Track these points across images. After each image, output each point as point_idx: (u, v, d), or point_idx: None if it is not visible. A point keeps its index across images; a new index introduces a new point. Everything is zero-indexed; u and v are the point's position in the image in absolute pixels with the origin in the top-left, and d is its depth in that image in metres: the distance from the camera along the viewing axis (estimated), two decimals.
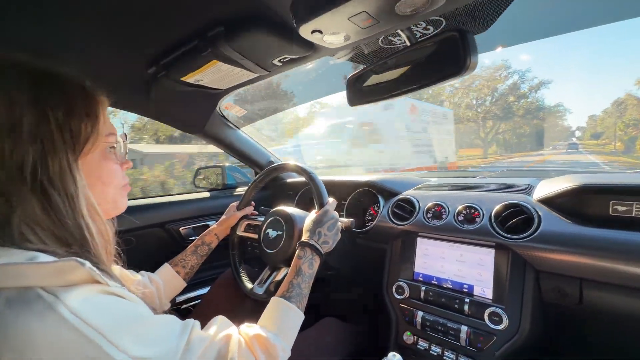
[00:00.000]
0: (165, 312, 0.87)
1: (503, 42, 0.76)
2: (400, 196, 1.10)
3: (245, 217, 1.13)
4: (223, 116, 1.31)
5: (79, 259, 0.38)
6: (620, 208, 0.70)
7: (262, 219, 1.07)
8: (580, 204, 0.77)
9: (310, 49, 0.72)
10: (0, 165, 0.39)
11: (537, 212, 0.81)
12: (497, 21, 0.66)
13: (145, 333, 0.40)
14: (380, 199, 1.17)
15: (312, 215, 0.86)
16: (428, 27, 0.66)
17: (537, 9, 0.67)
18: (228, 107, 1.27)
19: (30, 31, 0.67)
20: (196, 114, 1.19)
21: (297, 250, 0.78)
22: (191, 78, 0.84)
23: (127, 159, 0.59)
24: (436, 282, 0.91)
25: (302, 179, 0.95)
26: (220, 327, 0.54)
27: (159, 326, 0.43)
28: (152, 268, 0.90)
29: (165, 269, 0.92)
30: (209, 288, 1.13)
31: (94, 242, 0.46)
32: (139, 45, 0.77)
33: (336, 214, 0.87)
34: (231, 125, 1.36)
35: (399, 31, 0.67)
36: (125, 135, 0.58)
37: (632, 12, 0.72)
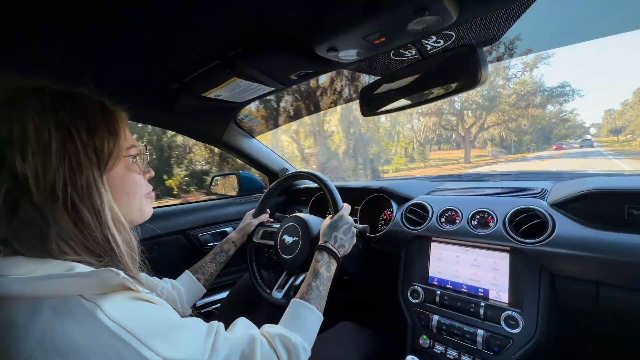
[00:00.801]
0: (189, 316, 0.91)
1: (513, 53, 0.77)
2: (413, 201, 1.12)
3: (261, 224, 1.17)
4: (239, 126, 1.36)
5: (113, 269, 0.41)
6: (635, 212, 0.71)
7: (277, 225, 1.10)
8: (595, 207, 0.77)
9: (325, 64, 0.76)
10: (36, 186, 0.42)
11: (551, 216, 0.81)
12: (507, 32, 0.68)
13: (175, 336, 0.43)
14: (393, 204, 1.18)
15: (328, 220, 0.89)
16: (439, 40, 0.69)
17: (544, 21, 0.69)
18: (243, 118, 1.33)
19: (60, 52, 0.72)
20: (215, 126, 1.24)
21: (315, 254, 0.81)
22: (211, 94, 0.89)
23: (148, 168, 0.62)
24: (451, 286, 0.92)
25: (314, 185, 0.98)
26: (243, 327, 0.57)
27: (187, 329, 0.46)
28: (174, 273, 0.94)
29: (186, 275, 0.95)
30: (227, 292, 1.17)
31: (121, 252, 0.49)
32: (164, 63, 0.82)
33: (351, 219, 0.89)
34: (247, 134, 1.41)
35: (410, 45, 0.70)
36: (146, 146, 0.61)
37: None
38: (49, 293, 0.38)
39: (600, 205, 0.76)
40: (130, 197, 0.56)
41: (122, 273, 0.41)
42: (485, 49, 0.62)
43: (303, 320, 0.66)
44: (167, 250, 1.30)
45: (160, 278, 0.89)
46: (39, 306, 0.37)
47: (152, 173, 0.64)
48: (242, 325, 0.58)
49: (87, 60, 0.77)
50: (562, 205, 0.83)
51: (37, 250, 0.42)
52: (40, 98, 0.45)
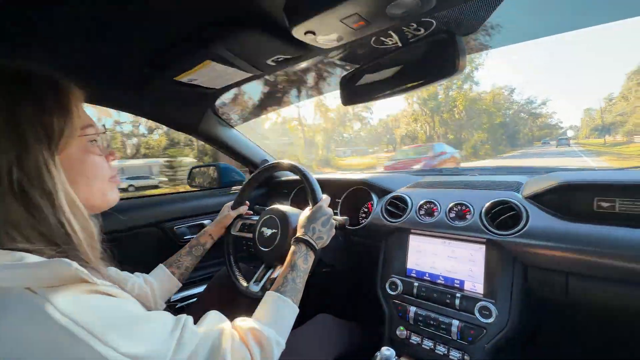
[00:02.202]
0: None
1: (492, 44, 0.78)
2: (393, 194, 1.12)
3: (239, 216, 1.14)
4: (217, 115, 1.31)
5: (66, 259, 0.38)
6: (604, 204, 0.73)
7: (256, 217, 1.07)
8: (567, 200, 0.79)
9: (304, 49, 0.73)
10: None
11: (525, 208, 0.83)
12: (486, 23, 0.67)
13: (136, 330, 0.41)
14: (373, 196, 1.18)
15: (306, 211, 0.87)
16: (419, 28, 0.67)
17: (525, 11, 0.69)
18: (222, 106, 1.28)
19: (22, 29, 0.66)
20: (190, 114, 1.19)
21: (292, 246, 0.79)
22: (185, 77, 0.84)
23: (111, 150, 0.58)
24: (428, 278, 0.93)
25: (296, 177, 0.96)
26: (213, 321, 0.54)
27: (151, 323, 0.43)
28: (147, 267, 0.90)
29: (160, 270, 0.91)
30: (203, 287, 1.13)
31: (78, 239, 0.45)
32: (133, 45, 0.76)
33: (330, 210, 0.88)
34: (226, 124, 1.36)
35: (390, 32, 0.69)
36: (104, 126, 0.57)
37: (617, 15, 0.73)
38: None
39: (571, 198, 0.79)
40: (90, 180, 0.52)
41: (75, 264, 0.38)
42: (464, 39, 0.61)
43: (277, 314, 0.64)
44: (140, 243, 1.24)
45: (132, 272, 0.85)
46: None
47: (117, 156, 0.60)
48: (213, 318, 0.55)
49: (51, 40, 0.71)
50: (536, 198, 0.85)
51: None
52: None
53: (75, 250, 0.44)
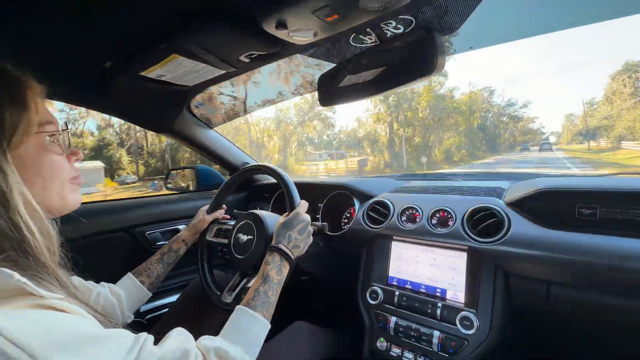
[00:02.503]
0: (128, 324, 0.81)
1: (473, 44, 0.76)
2: (375, 199, 1.09)
3: (215, 221, 1.08)
4: (194, 115, 1.25)
5: (6, 270, 0.34)
6: (585, 211, 0.71)
7: (233, 222, 1.02)
8: (548, 207, 0.78)
9: (278, 45, 0.69)
10: None
11: (507, 215, 0.81)
12: (467, 23, 0.65)
13: (85, 351, 0.36)
14: (355, 201, 1.15)
15: (283, 218, 0.83)
16: (398, 26, 0.64)
17: (506, 11, 0.67)
18: (198, 105, 1.22)
19: None
20: (163, 112, 1.12)
21: (266, 256, 0.74)
22: (152, 73, 0.78)
23: (73, 149, 0.54)
24: (410, 287, 0.90)
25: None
26: (176, 340, 0.49)
27: (104, 343, 0.39)
28: (115, 276, 0.84)
29: (128, 279, 0.86)
30: (176, 296, 1.07)
31: (35, 241, 0.42)
32: (93, 36, 0.71)
33: (308, 216, 0.84)
34: (203, 124, 1.30)
35: (369, 30, 0.66)
36: (66, 123, 0.53)
37: (598, 16, 0.73)
38: None
39: (552, 204, 0.77)
40: (47, 181, 0.48)
41: (16, 275, 0.34)
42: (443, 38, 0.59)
43: (246, 331, 0.60)
44: (107, 250, 1.16)
45: (98, 282, 0.79)
46: None
47: (80, 155, 0.55)
48: (176, 337, 0.50)
49: (4, 30, 0.65)
50: (518, 204, 0.83)
51: None
52: None
53: (28, 256, 0.40)
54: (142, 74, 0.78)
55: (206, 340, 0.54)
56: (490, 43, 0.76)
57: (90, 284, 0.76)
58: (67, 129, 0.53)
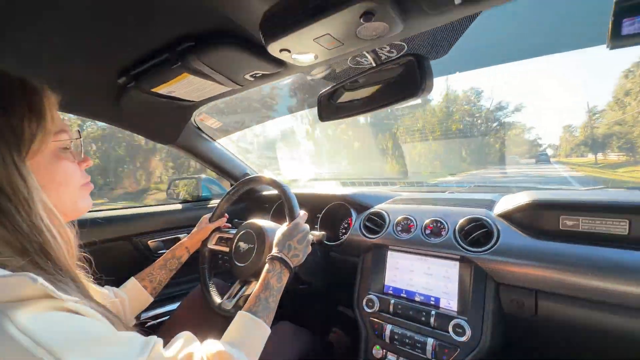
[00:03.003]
0: (133, 327, 0.83)
1: (461, 68, 0.82)
2: (371, 210, 1.12)
3: (217, 229, 1.11)
4: (198, 128, 1.30)
5: (30, 274, 0.36)
6: (568, 222, 0.76)
7: (234, 231, 1.05)
8: (535, 218, 0.82)
9: (282, 66, 0.74)
10: None
11: (496, 226, 0.85)
12: (455, 48, 0.71)
13: (99, 352, 0.38)
14: (352, 212, 1.18)
15: (283, 228, 0.86)
16: (392, 50, 0.70)
17: (494, 37, 0.73)
18: (203, 119, 1.27)
19: None
20: (169, 125, 1.18)
21: (267, 264, 0.77)
22: (162, 89, 0.84)
23: (85, 156, 0.57)
24: (405, 295, 0.93)
25: (277, 192, 0.96)
26: (183, 344, 0.51)
27: (118, 345, 0.41)
28: (117, 283, 0.86)
29: (131, 283, 0.88)
30: (176, 305, 1.09)
31: (57, 245, 0.44)
32: (109, 54, 0.76)
33: (307, 226, 0.87)
34: (206, 137, 1.35)
35: (365, 53, 0.71)
36: (79, 132, 0.55)
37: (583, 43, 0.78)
38: None
39: (539, 216, 0.81)
40: (62, 187, 0.50)
41: (40, 279, 0.36)
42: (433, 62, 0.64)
43: (248, 335, 0.62)
44: (112, 257, 1.19)
45: (102, 286, 0.81)
46: None
47: (90, 162, 0.58)
48: (184, 341, 0.53)
49: (24, 44, 0.69)
50: (507, 216, 0.87)
51: None
52: None
53: (50, 259, 0.43)
54: (153, 90, 0.83)
55: (211, 344, 0.56)
56: (476, 67, 0.82)
57: (96, 286, 0.77)
58: (80, 137, 0.56)
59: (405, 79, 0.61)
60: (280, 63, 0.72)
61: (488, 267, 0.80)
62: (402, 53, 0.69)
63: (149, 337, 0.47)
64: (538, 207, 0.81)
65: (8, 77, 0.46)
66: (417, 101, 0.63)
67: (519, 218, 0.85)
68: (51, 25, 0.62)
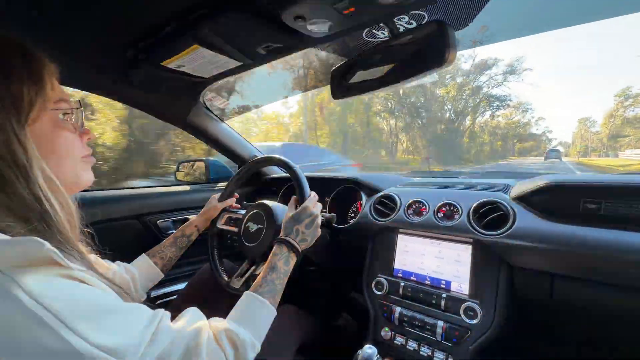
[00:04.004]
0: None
1: (481, 40, 0.78)
2: (382, 193, 1.11)
3: (226, 209, 1.11)
4: (207, 107, 1.29)
5: (38, 238, 0.35)
6: (589, 205, 0.73)
7: (243, 212, 1.05)
8: (554, 201, 0.79)
9: (295, 38, 0.71)
10: None
11: (512, 209, 0.83)
12: (477, 19, 0.67)
13: (108, 321, 0.38)
14: (363, 195, 1.17)
15: (292, 210, 0.85)
16: (411, 21, 0.67)
17: (517, 6, 0.69)
18: (211, 98, 1.25)
19: None
20: (179, 104, 1.16)
21: (274, 247, 0.77)
22: (172, 63, 0.82)
23: (85, 128, 0.55)
24: (415, 278, 0.92)
25: (287, 174, 0.94)
26: (191, 319, 0.51)
27: (125, 315, 0.41)
28: (127, 260, 0.87)
29: (142, 259, 0.89)
30: (184, 284, 1.10)
31: (57, 215, 0.43)
32: (117, 26, 0.74)
33: (316, 210, 0.85)
34: (215, 117, 1.34)
35: (382, 25, 0.68)
36: (80, 102, 0.53)
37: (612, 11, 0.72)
38: None
39: (558, 199, 0.78)
40: (61, 158, 0.49)
41: (47, 244, 0.35)
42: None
43: (254, 315, 0.62)
44: (121, 235, 1.20)
45: (113, 262, 0.82)
46: None
47: (92, 134, 0.56)
48: (191, 316, 0.53)
49: (28, 12, 0.68)
50: (523, 199, 0.85)
51: None
52: None
53: (51, 228, 0.42)
54: (163, 64, 0.81)
55: (217, 321, 0.56)
56: (502, 39, 0.77)
57: (107, 262, 0.78)
58: (80, 107, 0.54)
59: (426, 50, 0.58)
60: (294, 34, 0.69)
61: (503, 250, 0.78)
62: (422, 23, 0.65)
63: (157, 309, 0.47)
64: (558, 190, 0.78)
65: (7, 41, 0.45)
66: (434, 77, 0.60)
67: (537, 201, 0.82)
68: None
